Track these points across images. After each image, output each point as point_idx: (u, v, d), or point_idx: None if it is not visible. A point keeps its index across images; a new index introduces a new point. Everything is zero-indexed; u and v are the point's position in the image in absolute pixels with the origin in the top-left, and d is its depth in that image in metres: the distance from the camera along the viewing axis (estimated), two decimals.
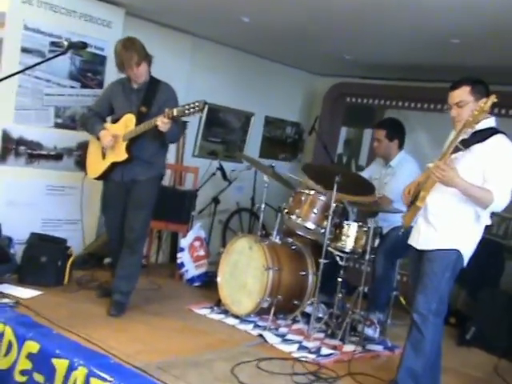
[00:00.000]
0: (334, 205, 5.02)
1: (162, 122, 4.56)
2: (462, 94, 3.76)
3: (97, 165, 5.05)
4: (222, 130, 7.65)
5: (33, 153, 5.82)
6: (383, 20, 5.18)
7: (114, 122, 5.00)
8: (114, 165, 4.92)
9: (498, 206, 3.62)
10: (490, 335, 5.43)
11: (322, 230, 5.13)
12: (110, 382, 3.48)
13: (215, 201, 7.25)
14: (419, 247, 3.93)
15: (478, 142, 3.68)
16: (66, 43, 4.45)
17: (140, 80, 4.91)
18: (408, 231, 5.03)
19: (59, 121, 5.97)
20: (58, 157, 5.99)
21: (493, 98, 3.48)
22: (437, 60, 6.23)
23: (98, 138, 4.96)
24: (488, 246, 5.87)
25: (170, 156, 7.00)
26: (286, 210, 5.36)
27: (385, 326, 5.43)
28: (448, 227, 3.79)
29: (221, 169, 7.17)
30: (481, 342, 5.47)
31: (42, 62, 4.74)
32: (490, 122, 3.78)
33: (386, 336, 5.27)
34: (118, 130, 4.88)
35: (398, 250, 5.40)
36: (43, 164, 5.90)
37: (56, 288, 5.27)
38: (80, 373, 3.59)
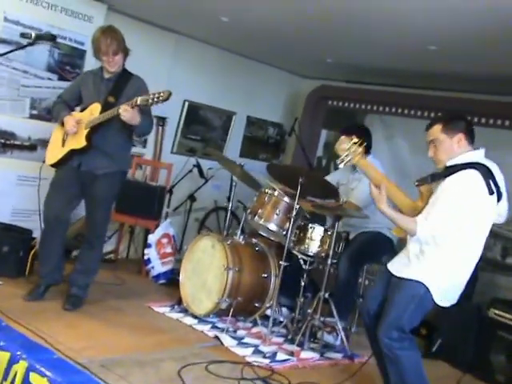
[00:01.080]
0: (297, 206, 4.98)
1: (124, 110, 4.46)
2: (435, 132, 3.76)
3: (55, 151, 4.94)
4: (202, 128, 7.62)
5: (6, 142, 5.81)
6: (362, 24, 5.14)
7: (82, 111, 4.93)
8: (72, 152, 4.80)
9: (421, 239, 3.63)
10: (456, 348, 5.34)
11: (284, 232, 5.10)
12: (48, 377, 3.45)
13: (191, 198, 7.22)
14: (391, 269, 3.89)
15: (441, 177, 3.69)
16: (33, 34, 4.42)
17: (113, 69, 4.83)
18: (378, 237, 5.09)
19: (35, 112, 5.96)
20: (31, 147, 5.98)
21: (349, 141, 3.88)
22: (415, 66, 6.20)
23: (62, 124, 4.86)
24: None
25: (148, 151, 7.03)
26: (249, 210, 5.32)
27: (348, 334, 5.39)
28: (417, 259, 3.74)
29: (197, 166, 7.13)
30: (446, 355, 5.35)
31: (4, 54, 4.70)
32: (471, 155, 3.71)
33: (349, 343, 5.22)
34: (83, 118, 4.79)
35: (364, 256, 5.39)
36: (16, 154, 5.88)
37: (16, 279, 5.24)
38: (20, 366, 3.53)
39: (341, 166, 3.93)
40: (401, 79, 6.85)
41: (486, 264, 6.21)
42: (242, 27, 6.18)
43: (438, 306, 3.76)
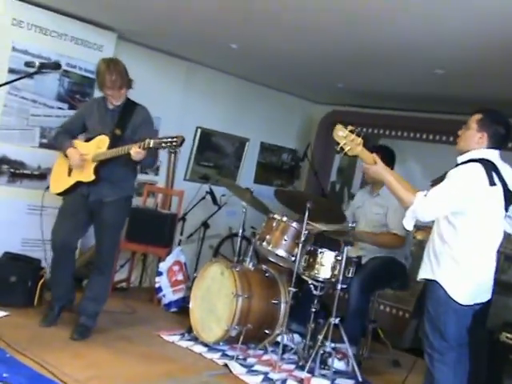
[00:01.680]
0: (305, 232, 4.93)
1: (136, 152, 4.51)
2: (473, 118, 3.84)
3: (61, 180, 4.98)
4: (215, 155, 7.62)
5: (16, 172, 5.82)
6: (371, 50, 5.16)
7: (87, 141, 4.96)
8: (78, 183, 4.87)
9: (415, 211, 3.63)
10: (469, 374, 5.22)
11: (293, 258, 5.04)
12: None
13: (204, 225, 7.19)
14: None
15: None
16: (37, 63, 4.44)
17: (117, 102, 4.88)
18: (391, 263, 5.02)
19: (44, 141, 5.96)
20: (41, 176, 5.97)
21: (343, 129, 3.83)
22: (424, 90, 6.17)
23: (66, 155, 4.91)
24: None
25: (161, 179, 7.03)
26: (257, 236, 5.28)
27: (360, 360, 5.30)
28: (430, 259, 3.80)
29: (211, 193, 7.12)
30: None
31: (7, 83, 4.76)
32: (485, 153, 3.76)
33: (360, 370, 5.12)
34: (88, 150, 4.84)
35: (376, 281, 5.31)
36: (26, 183, 5.88)
37: (24, 309, 5.20)
38: None
39: (340, 154, 3.92)
40: (411, 103, 6.82)
41: (500, 288, 6.08)
42: (251, 54, 6.20)
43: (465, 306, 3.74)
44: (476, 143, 3.76)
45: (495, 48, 4.39)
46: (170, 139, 4.42)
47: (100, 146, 4.80)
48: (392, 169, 5.39)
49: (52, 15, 5.77)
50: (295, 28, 4.92)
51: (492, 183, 3.62)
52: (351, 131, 3.80)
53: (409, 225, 3.72)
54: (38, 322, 4.91)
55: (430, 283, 3.76)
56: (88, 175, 4.80)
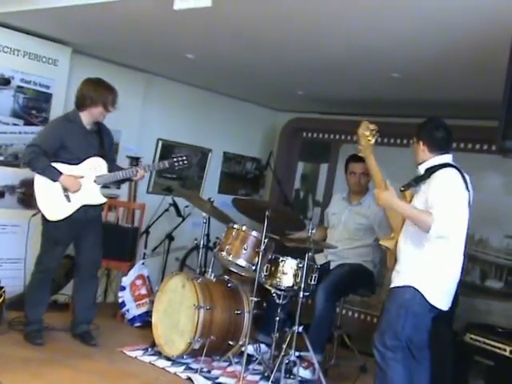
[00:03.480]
0: (265, 240, 4.89)
1: (142, 176, 5.09)
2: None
3: (60, 207, 4.90)
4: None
5: None
6: (325, 56, 5.15)
7: (74, 163, 4.94)
8: (83, 206, 4.95)
9: (439, 228, 3.67)
10: (435, 376, 5.19)
11: (254, 267, 4.99)
12: None
13: (169, 237, 7.13)
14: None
15: (424, 179, 3.89)
16: None
17: (102, 120, 5.05)
18: (358, 270, 5.05)
19: (1, 158, 5.88)
20: None
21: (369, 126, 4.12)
22: (380, 94, 6.17)
23: (54, 181, 4.86)
24: None
25: (123, 193, 6.95)
26: (217, 247, 5.23)
27: (326, 368, 5.27)
28: (405, 266, 3.87)
29: (174, 204, 7.06)
30: None
31: None
32: (441, 159, 3.94)
33: (327, 377, 5.09)
34: (83, 172, 4.91)
35: (341, 288, 5.30)
36: None
37: None
38: None
39: (361, 154, 4.17)
40: (371, 108, 6.80)
41: (465, 289, 6.10)
42: (208, 64, 6.16)
43: (435, 309, 3.86)
44: (422, 153, 3.98)
45: (448, 50, 4.41)
46: (180, 158, 4.99)
47: (97, 168, 4.94)
48: None
49: (5, 31, 5.70)
50: (252, 38, 4.90)
51: (467, 188, 3.84)
52: (372, 130, 4.07)
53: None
54: None
55: (397, 289, 3.87)
56: (97, 198, 5.00)
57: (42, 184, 4.92)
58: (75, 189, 4.86)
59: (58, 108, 6.18)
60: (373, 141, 4.11)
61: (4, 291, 5.36)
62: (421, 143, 3.99)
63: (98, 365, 4.78)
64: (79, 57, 6.33)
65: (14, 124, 5.93)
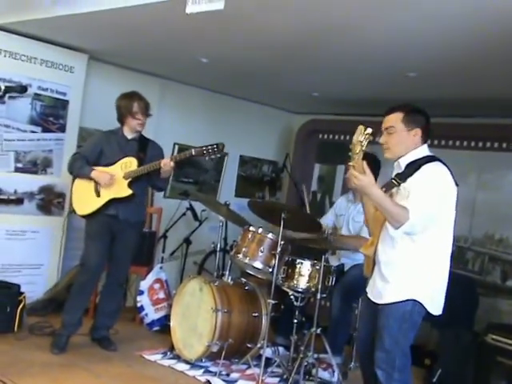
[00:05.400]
0: (281, 242, 4.89)
1: (166, 164, 4.88)
2: (394, 120, 3.59)
3: (89, 202, 5.09)
4: (194, 170, 7.59)
5: None
6: (341, 56, 5.15)
7: (106, 165, 5.12)
8: (111, 201, 5.03)
9: (412, 225, 3.34)
10: (456, 377, 5.19)
11: (270, 270, 4.99)
12: None
13: (187, 242, 7.14)
14: (374, 300, 3.64)
15: (410, 175, 3.47)
16: (2, 87, 4.41)
17: (141, 129, 5.19)
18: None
19: (20, 165, 5.93)
20: (18, 201, 5.94)
21: (363, 131, 3.28)
22: (397, 94, 6.13)
23: (89, 178, 5.05)
24: (462, 282, 5.76)
25: None
26: (234, 250, 5.24)
27: (345, 370, 5.26)
28: (400, 278, 3.51)
29: (191, 209, 7.07)
30: None
31: None
32: (420, 151, 3.56)
33: (345, 379, 5.09)
34: (115, 171, 5.04)
35: (357, 289, 5.22)
36: (3, 209, 5.84)
37: (4, 335, 5.15)
38: None
39: (353, 163, 3.34)
40: (383, 108, 6.76)
41: (486, 289, 6.08)
42: (222, 67, 6.17)
43: (430, 316, 3.53)
44: (412, 143, 3.55)
45: (463, 48, 4.38)
46: (210, 146, 4.90)
47: (128, 165, 5.04)
48: (376, 177, 5.32)
49: (21, 39, 5.76)
50: (265, 39, 4.89)
51: (456, 184, 3.52)
52: (368, 134, 3.29)
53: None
54: (18, 348, 4.92)
55: (395, 304, 3.49)
56: (123, 191, 5.01)
57: (78, 185, 5.21)
58: (104, 181, 4.99)
59: (75, 115, 6.24)
60: (365, 145, 3.33)
61: (24, 297, 5.43)
62: (418, 131, 3.56)
63: (117, 369, 4.80)
64: (95, 64, 6.40)
65: (32, 131, 5.98)
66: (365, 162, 3.32)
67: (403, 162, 3.55)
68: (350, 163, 3.35)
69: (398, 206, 3.37)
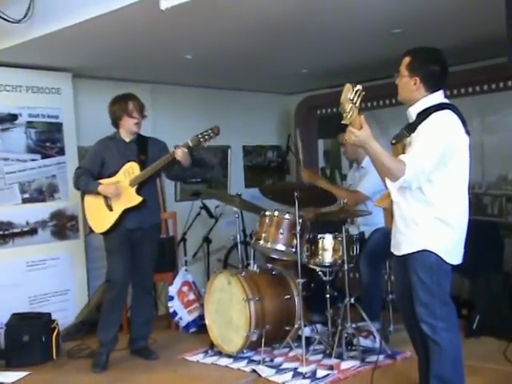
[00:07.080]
0: (299, 221, 4.86)
1: (182, 152, 4.77)
2: (403, 63, 3.53)
3: (104, 218, 5.05)
4: (200, 169, 7.54)
5: (5, 233, 5.76)
6: (322, 25, 5.07)
7: (109, 176, 5.07)
8: (125, 212, 4.98)
9: (406, 181, 3.30)
10: (495, 321, 5.22)
11: (294, 250, 4.97)
12: None
13: (207, 240, 7.11)
14: (394, 251, 3.65)
15: (419, 124, 3.39)
16: None
17: (139, 130, 5.11)
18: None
19: (26, 196, 5.92)
20: (32, 232, 5.94)
21: (352, 89, 3.16)
22: (384, 54, 6.07)
23: (97, 193, 5.01)
24: (484, 228, 5.73)
25: None
26: (254, 237, 5.22)
27: (386, 334, 5.24)
28: (414, 229, 3.46)
29: (204, 207, 7.05)
30: (488, 330, 5.25)
31: None
32: (434, 98, 3.47)
33: (388, 343, 5.07)
34: (119, 179, 5.00)
35: (382, 253, 5.20)
36: (18, 241, 5.83)
37: (44, 365, 5.15)
38: None
39: (346, 121, 3.24)
40: (378, 71, 6.71)
41: (509, 230, 6.04)
42: (207, 61, 6.11)
43: (457, 266, 3.48)
44: (414, 91, 3.46)
45: None
46: (205, 132, 4.79)
47: (131, 172, 4.98)
48: None
49: (3, 70, 5.75)
50: (246, 22, 4.80)
51: (467, 132, 3.43)
52: (358, 91, 3.15)
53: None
54: (61, 374, 4.94)
55: (416, 254, 3.45)
56: (133, 199, 4.97)
57: (89, 202, 5.17)
58: (112, 193, 4.94)
59: (71, 135, 6.22)
60: (358, 102, 3.20)
61: (57, 324, 5.43)
62: (416, 80, 3.45)
63: (162, 375, 4.82)
64: (81, 81, 6.37)
65: (32, 159, 5.96)
66: (362, 117, 3.25)
67: (414, 111, 3.48)
68: (342, 121, 3.27)
69: (395, 160, 3.32)
